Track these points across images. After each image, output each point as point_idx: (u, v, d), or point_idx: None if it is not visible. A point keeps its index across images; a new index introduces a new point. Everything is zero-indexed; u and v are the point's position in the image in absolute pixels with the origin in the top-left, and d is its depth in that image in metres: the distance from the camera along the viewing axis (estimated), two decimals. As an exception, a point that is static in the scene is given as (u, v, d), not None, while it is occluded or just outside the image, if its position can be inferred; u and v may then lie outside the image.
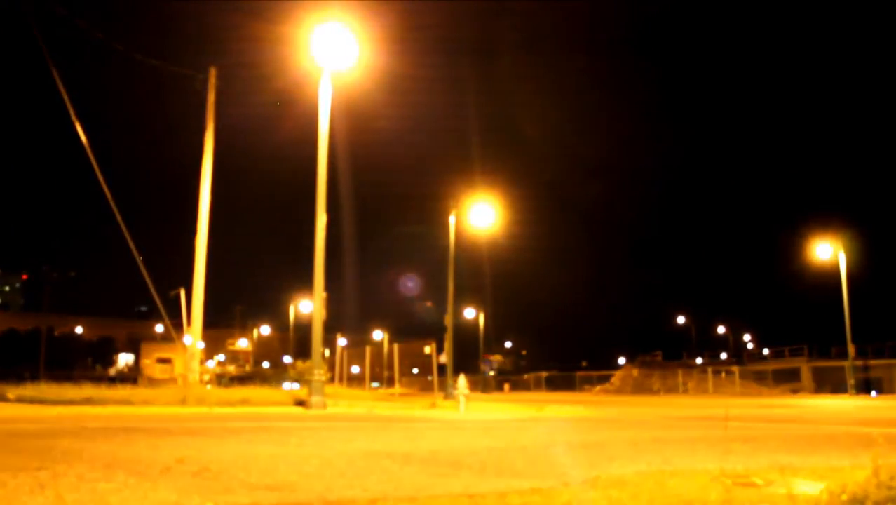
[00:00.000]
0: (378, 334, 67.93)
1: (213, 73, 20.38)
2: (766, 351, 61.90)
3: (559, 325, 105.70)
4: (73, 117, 17.66)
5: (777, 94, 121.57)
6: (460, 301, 55.58)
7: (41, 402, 13.21)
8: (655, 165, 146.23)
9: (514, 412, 14.34)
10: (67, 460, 4.32)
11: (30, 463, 4.14)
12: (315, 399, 14.11)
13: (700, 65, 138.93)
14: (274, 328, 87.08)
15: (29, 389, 14.36)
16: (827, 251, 38.24)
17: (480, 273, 62.05)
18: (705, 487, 3.62)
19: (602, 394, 45.04)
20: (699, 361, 62.18)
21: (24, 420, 9.02)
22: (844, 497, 2.79)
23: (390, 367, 33.62)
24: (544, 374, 62.69)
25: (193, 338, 20.29)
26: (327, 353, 35.39)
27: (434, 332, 29.94)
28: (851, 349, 36.99)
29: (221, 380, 47.64)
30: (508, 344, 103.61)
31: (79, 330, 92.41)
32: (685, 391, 44.01)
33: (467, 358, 58.98)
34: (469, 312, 64.45)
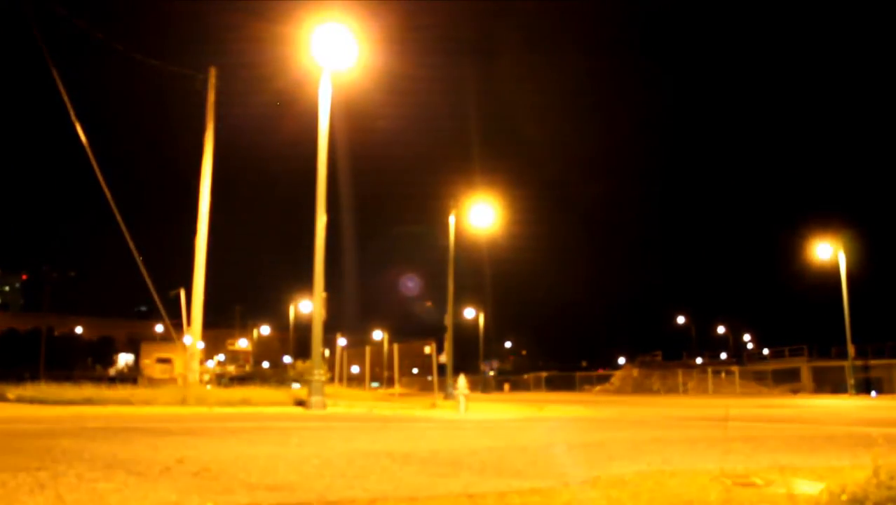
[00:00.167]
0: (378, 334, 67.94)
1: (213, 73, 20.39)
2: (766, 351, 61.92)
3: (559, 325, 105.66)
4: (73, 117, 17.67)
5: (777, 94, 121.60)
6: (460, 301, 55.63)
7: (41, 402, 13.21)
8: (655, 165, 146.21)
9: (514, 412, 14.34)
10: (67, 460, 4.32)
11: (30, 463, 4.14)
12: (315, 399, 14.11)
13: (700, 65, 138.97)
14: (274, 328, 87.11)
15: (29, 389, 14.35)
16: (827, 251, 38.24)
17: (480, 273, 62.09)
18: (705, 487, 3.62)
19: (602, 394, 45.04)
20: (699, 361, 62.20)
21: (24, 420, 9.02)
22: (844, 497, 2.79)
23: (390, 367, 33.61)
24: (544, 374, 62.71)
25: (193, 338, 20.30)
26: (327, 353, 35.39)
27: (434, 332, 29.98)
28: (851, 349, 36.99)
29: (221, 380, 47.64)
30: (508, 344, 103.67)
31: (79, 330, 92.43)
32: (685, 391, 44.01)
33: (467, 358, 59.01)
34: (469, 312, 64.48)
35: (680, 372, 47.86)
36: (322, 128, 15.42)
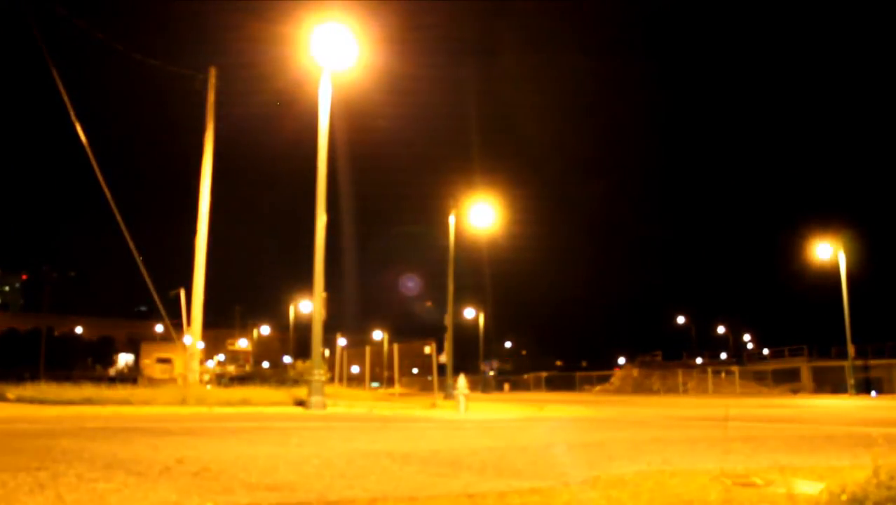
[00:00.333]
0: (378, 334, 67.99)
1: (213, 73, 20.39)
2: (766, 351, 61.94)
3: (559, 325, 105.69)
4: (73, 117, 17.68)
5: (777, 95, 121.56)
6: (460, 301, 55.67)
7: (41, 402, 13.21)
8: (655, 165, 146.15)
9: (514, 412, 14.35)
10: (67, 460, 4.32)
11: (30, 463, 4.14)
12: (315, 399, 14.11)
13: (700, 65, 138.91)
14: (274, 328, 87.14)
15: (29, 389, 14.35)
16: (827, 251, 38.25)
17: (480, 273, 62.09)
18: (705, 487, 3.62)
19: (602, 394, 45.04)
20: (699, 361, 62.21)
21: (23, 420, 9.02)
22: (844, 497, 2.79)
23: (390, 367, 33.59)
24: (544, 374, 62.73)
25: (193, 338, 20.30)
26: (327, 353, 35.39)
27: (434, 332, 29.97)
28: (851, 349, 36.99)
29: (221, 380, 47.62)
30: (508, 344, 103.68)
31: (79, 330, 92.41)
32: (685, 391, 44.01)
33: (467, 358, 59.03)
34: (469, 312, 64.49)
35: (680, 372, 47.86)
36: (322, 128, 15.42)
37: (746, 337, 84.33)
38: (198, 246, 19.78)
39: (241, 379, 43.66)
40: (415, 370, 43.65)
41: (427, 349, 22.77)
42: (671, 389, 45.04)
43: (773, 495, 3.39)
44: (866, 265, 45.68)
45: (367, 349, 36.12)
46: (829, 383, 42.81)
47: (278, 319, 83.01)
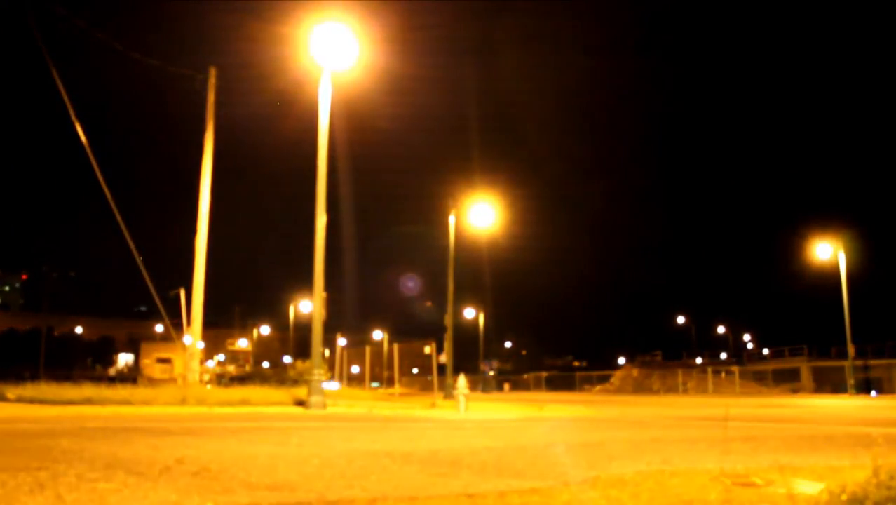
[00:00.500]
0: (378, 334, 68.03)
1: (213, 73, 20.39)
2: (765, 351, 61.96)
3: (559, 325, 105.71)
4: (73, 117, 17.68)
5: (777, 95, 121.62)
6: (460, 301, 55.67)
7: (41, 402, 13.20)
8: (656, 165, 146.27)
9: (514, 412, 14.34)
10: (67, 460, 4.32)
11: (30, 463, 4.14)
12: (315, 399, 14.11)
13: (700, 65, 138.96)
14: (274, 328, 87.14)
15: (29, 389, 14.35)
16: (827, 251, 38.25)
17: (480, 273, 62.12)
18: (705, 486, 3.62)
19: (602, 394, 45.05)
20: (699, 361, 62.23)
21: (23, 420, 9.02)
22: (844, 497, 2.79)
23: (390, 367, 33.61)
24: (544, 374, 62.75)
25: (193, 338, 20.30)
26: (327, 353, 35.41)
27: (434, 332, 29.98)
28: (851, 349, 37.00)
29: (221, 380, 47.63)
30: (508, 344, 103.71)
31: (79, 330, 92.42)
32: (685, 391, 44.01)
33: (467, 358, 59.04)
34: (469, 312, 64.51)
35: (680, 372, 47.86)
36: (322, 128, 15.42)
37: (746, 337, 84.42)
38: (198, 246, 19.79)
39: (241, 379, 43.66)
40: (415, 370, 43.69)
41: (427, 349, 22.77)
42: (671, 389, 45.04)
43: (773, 495, 3.39)
44: (866, 265, 45.74)
45: (367, 349, 36.14)
46: (829, 383, 42.82)
47: (278, 319, 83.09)
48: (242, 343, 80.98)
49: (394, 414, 13.19)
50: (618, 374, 55.33)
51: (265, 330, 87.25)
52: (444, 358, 26.38)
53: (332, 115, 15.60)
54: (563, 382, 58.66)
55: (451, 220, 27.39)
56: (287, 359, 61.30)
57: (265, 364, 73.26)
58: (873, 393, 35.89)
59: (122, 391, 15.08)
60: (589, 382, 57.01)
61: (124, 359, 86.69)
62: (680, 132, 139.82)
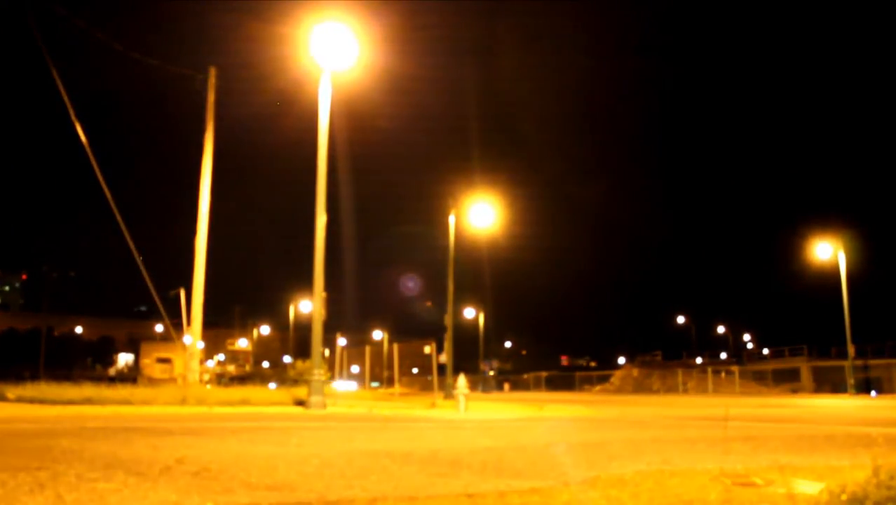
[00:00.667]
0: (378, 334, 68.06)
1: (213, 73, 20.40)
2: (765, 351, 61.95)
3: (559, 324, 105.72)
4: (73, 117, 17.68)
5: (777, 95, 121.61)
6: (460, 301, 55.68)
7: (41, 402, 13.20)
8: (655, 165, 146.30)
9: (514, 412, 14.34)
10: (67, 460, 4.32)
11: (30, 463, 4.14)
12: (315, 399, 14.11)
13: (700, 65, 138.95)
14: (274, 328, 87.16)
15: (29, 389, 14.36)
16: (827, 251, 38.25)
17: (480, 273, 62.16)
18: (705, 486, 3.62)
19: (602, 393, 45.05)
20: (699, 361, 62.22)
21: (23, 420, 9.02)
22: (844, 497, 2.79)
23: (390, 367, 33.59)
24: (544, 373, 62.74)
25: (193, 338, 20.31)
26: (327, 353, 35.36)
27: (434, 332, 29.99)
28: (851, 349, 37.00)
29: (221, 380, 47.67)
30: (508, 344, 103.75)
31: (79, 330, 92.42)
32: (685, 391, 44.01)
33: (467, 358, 59.09)
34: (469, 312, 64.53)
35: (680, 372, 47.86)
36: (322, 128, 15.42)
37: (746, 337, 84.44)
38: (198, 246, 19.79)
39: (241, 379, 43.66)
40: (415, 370, 43.70)
41: (427, 349, 22.76)
42: (671, 389, 45.03)
43: (772, 495, 3.39)
44: (866, 265, 45.74)
45: (367, 349, 36.10)
46: (828, 383, 42.82)
47: (278, 319, 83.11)
48: (242, 343, 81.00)
49: (394, 414, 13.18)
50: (618, 374, 55.32)
51: (265, 330, 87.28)
52: (444, 358, 26.39)
53: (332, 115, 15.61)
54: (562, 381, 58.68)
55: (451, 220, 27.40)
56: (287, 359, 61.33)
57: (265, 364, 73.32)
58: (873, 393, 35.89)
59: (122, 391, 15.09)
60: (589, 382, 57.02)
61: (124, 359, 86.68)
62: (680, 132, 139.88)
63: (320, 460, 4.61)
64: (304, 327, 58.03)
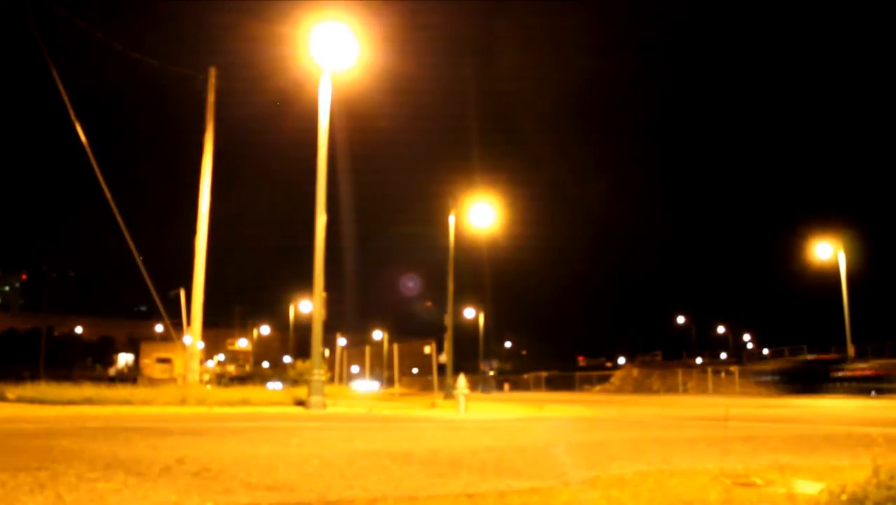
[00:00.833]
0: (378, 334, 68.06)
1: (213, 73, 20.40)
2: (765, 351, 61.92)
3: (559, 324, 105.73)
4: (73, 117, 17.68)
5: (777, 94, 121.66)
6: (460, 301, 55.71)
7: (41, 402, 13.20)
8: (655, 165, 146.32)
9: (514, 412, 14.34)
10: (67, 460, 4.32)
11: (29, 463, 4.14)
12: (315, 399, 14.11)
13: (700, 65, 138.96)
14: (274, 328, 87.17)
15: (29, 389, 14.35)
16: (827, 251, 38.23)
17: (480, 273, 62.18)
18: (705, 486, 3.62)
19: (602, 393, 45.04)
20: (699, 361, 62.18)
21: (23, 420, 9.02)
22: (844, 497, 2.79)
23: (390, 367, 33.60)
24: (544, 373, 62.70)
25: (193, 338, 20.30)
26: (327, 353, 35.37)
27: (434, 332, 30.01)
28: (851, 349, 36.99)
29: (221, 380, 47.67)
30: (508, 344, 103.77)
31: (78, 330, 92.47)
32: (685, 391, 43.99)
33: (467, 358, 59.11)
34: (469, 312, 64.56)
35: (680, 372, 47.82)
36: (322, 128, 15.42)
37: (746, 337, 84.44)
38: (198, 246, 19.78)
39: (241, 379, 43.66)
40: (415, 370, 43.66)
41: (427, 349, 22.78)
42: (671, 389, 45.01)
43: (772, 495, 3.39)
44: (866, 265, 45.74)
45: (367, 349, 36.15)
46: (829, 383, 42.74)
47: (278, 319, 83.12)
48: (242, 343, 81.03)
49: (394, 414, 13.18)
50: (618, 374, 55.29)
51: (265, 330, 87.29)
52: (444, 358, 26.39)
53: (332, 115, 15.61)
54: (562, 381, 58.61)
55: (451, 220, 27.40)
56: (287, 359, 61.34)
57: (265, 364, 73.32)
58: (873, 393, 35.87)
59: (122, 391, 15.09)
60: (589, 382, 56.97)
61: (124, 359, 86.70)
62: (680, 132, 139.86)
63: (320, 460, 4.61)
64: (304, 327, 58.04)
